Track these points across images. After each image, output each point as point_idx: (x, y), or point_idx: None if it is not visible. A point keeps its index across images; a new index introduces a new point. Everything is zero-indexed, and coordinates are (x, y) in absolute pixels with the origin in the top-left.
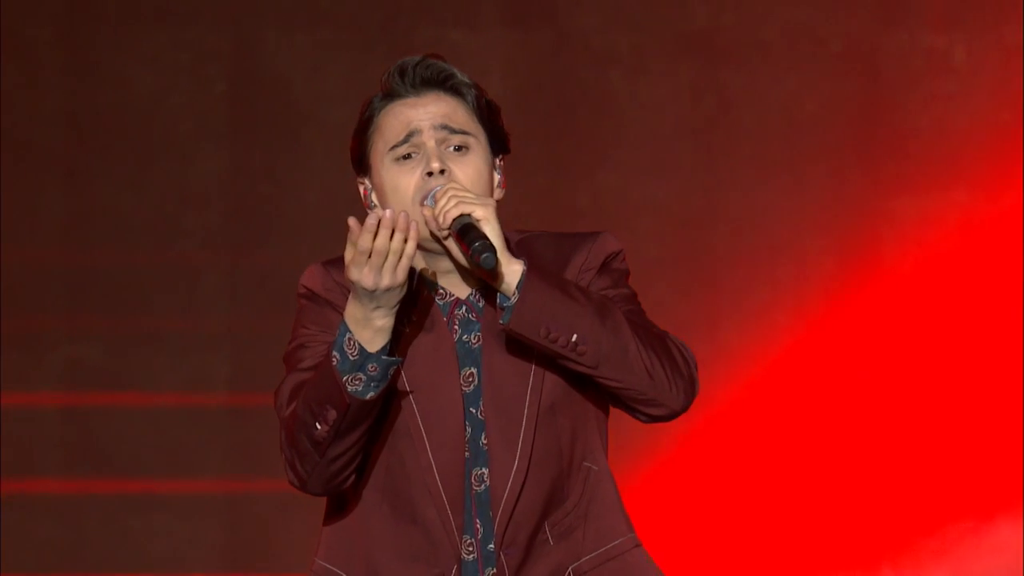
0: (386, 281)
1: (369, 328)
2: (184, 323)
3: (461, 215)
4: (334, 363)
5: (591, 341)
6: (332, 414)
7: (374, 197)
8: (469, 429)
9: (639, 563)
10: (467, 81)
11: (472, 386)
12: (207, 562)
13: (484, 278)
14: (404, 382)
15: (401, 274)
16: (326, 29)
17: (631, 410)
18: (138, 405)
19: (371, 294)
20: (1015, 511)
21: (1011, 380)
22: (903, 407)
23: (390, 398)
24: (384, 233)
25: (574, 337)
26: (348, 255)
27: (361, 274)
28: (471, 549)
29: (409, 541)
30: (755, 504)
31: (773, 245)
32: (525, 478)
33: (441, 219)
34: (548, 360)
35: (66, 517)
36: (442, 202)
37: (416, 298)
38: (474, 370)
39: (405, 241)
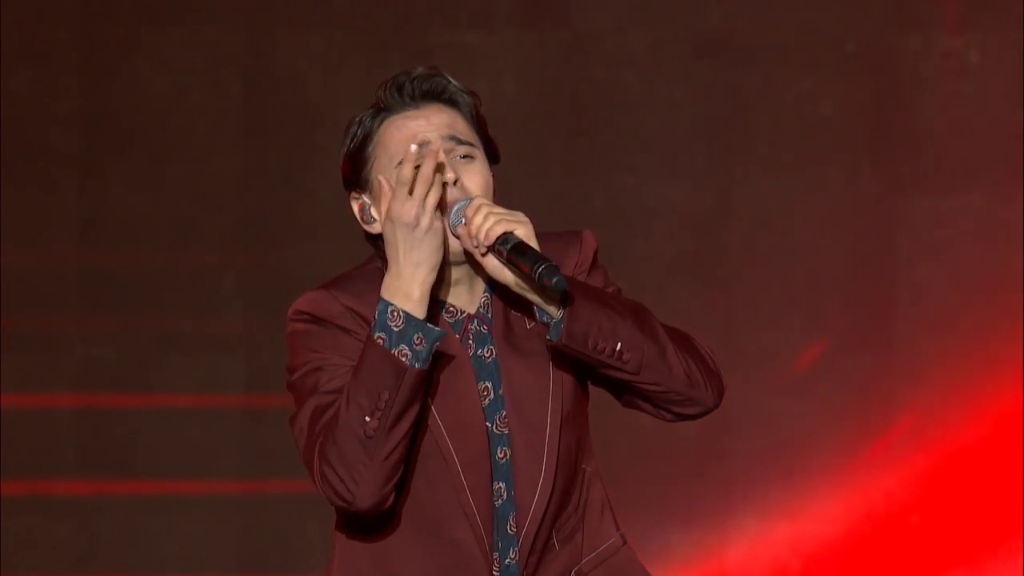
0: (415, 210)
1: (410, 299)
2: (199, 325)
3: (505, 233)
4: (380, 342)
5: (634, 348)
6: (384, 396)
7: (373, 212)
8: (488, 443)
9: (629, 561)
10: (463, 89)
11: (488, 400)
12: (223, 563)
13: (535, 294)
14: (428, 400)
15: (437, 219)
16: (340, 31)
17: (663, 410)
18: (153, 407)
19: (412, 237)
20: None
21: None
22: (918, 405)
23: (427, 421)
24: (429, 162)
25: (619, 346)
26: (390, 197)
27: (403, 208)
28: (497, 563)
29: (437, 563)
30: (767, 505)
31: (788, 246)
32: (552, 488)
33: (482, 236)
34: (562, 368)
35: (81, 519)
36: (478, 219)
37: (428, 319)
38: (489, 384)
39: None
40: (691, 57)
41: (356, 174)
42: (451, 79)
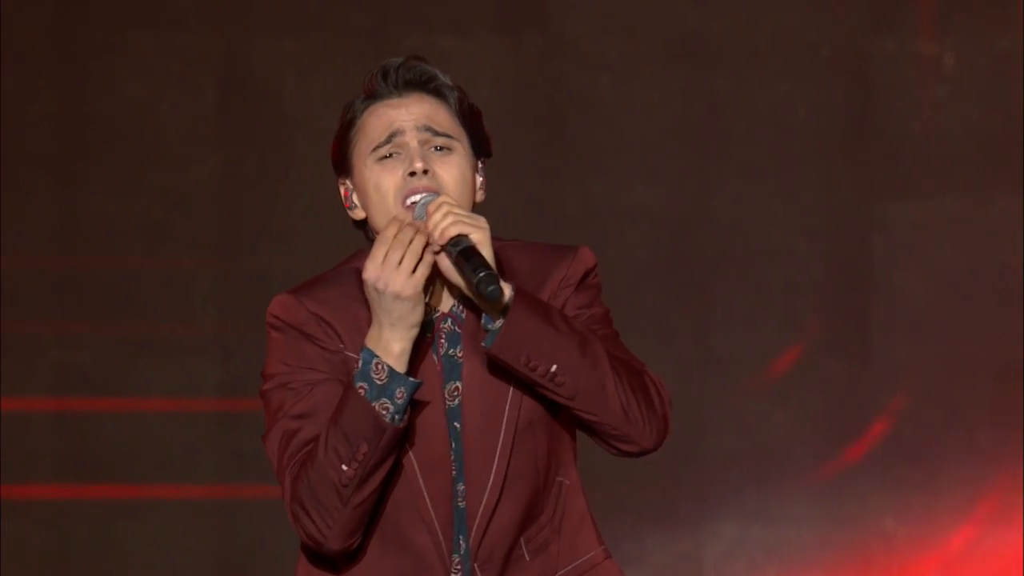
0: (395, 282)
1: (391, 354)
2: (174, 328)
3: (459, 235)
4: (362, 393)
5: (570, 373)
6: (363, 448)
7: (355, 198)
8: (453, 445)
9: (611, 575)
10: (449, 83)
11: (456, 400)
12: (197, 568)
13: (478, 302)
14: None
15: (409, 283)
16: (316, 35)
17: (603, 442)
18: (128, 410)
19: (381, 299)
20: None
21: (1008, 384)
22: (894, 409)
23: None
24: (408, 229)
25: (553, 368)
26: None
27: (371, 269)
28: (458, 568)
29: (397, 568)
30: (742, 509)
31: (763, 250)
32: (500, 493)
33: (437, 235)
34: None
35: (56, 523)
36: (436, 217)
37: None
38: (459, 384)
39: (426, 246)
40: (666, 61)
41: (341, 158)
42: (438, 71)
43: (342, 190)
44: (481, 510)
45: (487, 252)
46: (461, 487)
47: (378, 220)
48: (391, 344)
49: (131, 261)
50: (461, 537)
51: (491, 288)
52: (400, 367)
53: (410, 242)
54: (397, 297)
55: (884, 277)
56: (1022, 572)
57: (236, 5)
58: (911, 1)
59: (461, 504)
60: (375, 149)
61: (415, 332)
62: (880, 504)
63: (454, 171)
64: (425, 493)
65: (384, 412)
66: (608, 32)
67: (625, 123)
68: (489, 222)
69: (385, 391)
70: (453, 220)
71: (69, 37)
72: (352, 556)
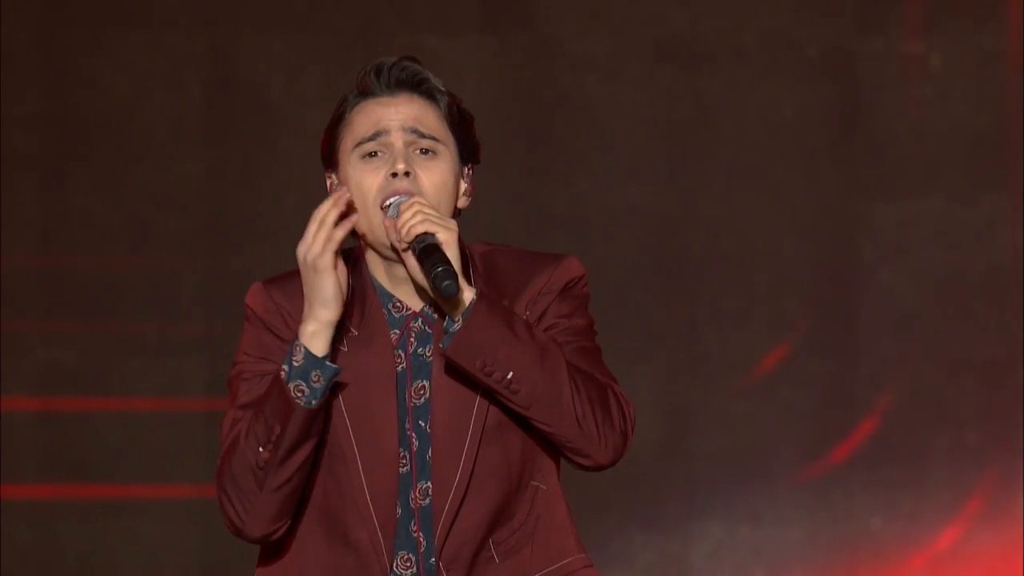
0: (307, 248)
1: (306, 335)
2: (161, 328)
3: (425, 233)
4: (282, 375)
5: (526, 381)
6: (276, 430)
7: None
8: (416, 443)
9: None
10: (441, 87)
11: (423, 399)
12: (184, 567)
13: (437, 300)
14: (341, 402)
15: (320, 255)
16: (302, 34)
17: (561, 454)
18: (115, 410)
19: (306, 273)
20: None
21: (995, 383)
22: (881, 408)
23: (328, 420)
24: (327, 203)
25: (509, 375)
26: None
27: (300, 243)
28: (409, 564)
29: (341, 563)
30: (730, 509)
31: (750, 250)
32: (465, 493)
33: (404, 232)
34: None
35: (43, 522)
36: (406, 215)
37: (365, 312)
38: (426, 383)
39: (339, 220)
40: (653, 61)
41: (329, 151)
42: (431, 74)
43: (328, 183)
44: (446, 509)
45: (452, 252)
46: (426, 485)
47: (359, 217)
48: (307, 324)
49: (117, 260)
50: (422, 534)
51: (446, 283)
52: (316, 349)
53: (324, 216)
54: (311, 268)
55: (871, 276)
56: (1014, 572)
57: (222, 5)
58: (898, 1)
59: (424, 502)
60: (359, 145)
61: (329, 314)
62: (867, 504)
63: (435, 175)
64: (366, 489)
65: (299, 395)
66: (594, 32)
67: (612, 123)
68: (476, 223)
69: (301, 373)
70: (421, 219)
71: (55, 36)
72: (301, 549)
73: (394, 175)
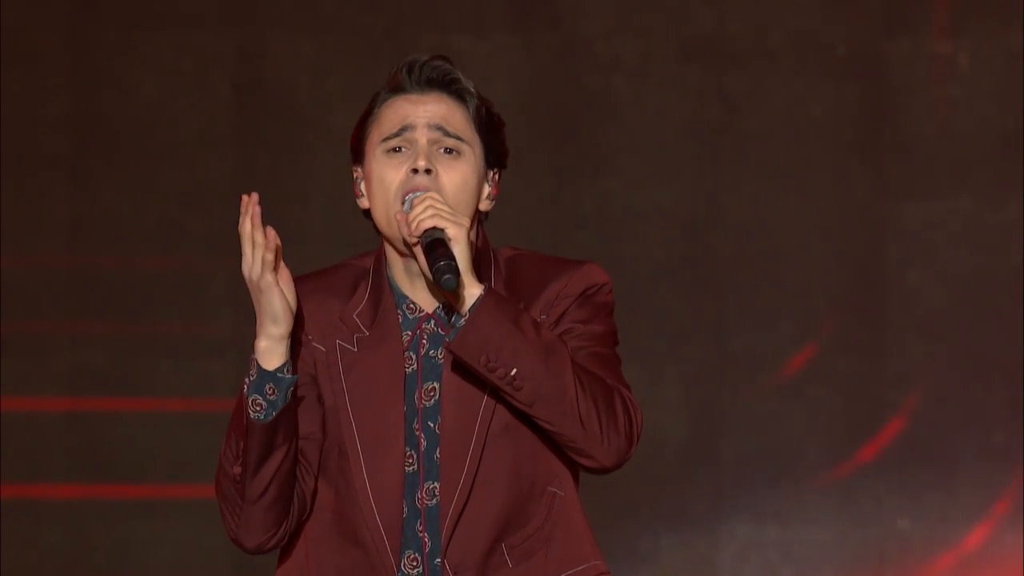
0: (248, 268)
1: (258, 349)
2: (189, 329)
3: (433, 228)
4: (244, 389)
5: (529, 379)
6: (241, 445)
7: (362, 186)
8: (425, 443)
9: None
10: (471, 89)
11: (433, 400)
12: (212, 568)
13: (446, 296)
14: (347, 403)
15: (251, 270)
16: (330, 35)
17: (566, 455)
18: (143, 411)
19: (252, 291)
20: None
21: (1020, 384)
22: (908, 409)
23: (337, 419)
24: (243, 219)
25: (513, 371)
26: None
27: (243, 264)
28: (416, 564)
29: (352, 563)
30: (757, 510)
31: (779, 250)
32: (470, 493)
33: (413, 226)
34: None
35: (70, 523)
36: (417, 210)
37: (378, 313)
38: (436, 384)
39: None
40: (681, 61)
41: (357, 145)
42: (462, 75)
43: (354, 177)
44: (451, 509)
45: (460, 248)
46: (433, 485)
47: (379, 212)
48: (259, 340)
49: (146, 261)
50: (427, 534)
51: (445, 277)
52: (267, 364)
53: (248, 233)
54: (256, 288)
55: (898, 277)
56: None
57: (250, 5)
58: (926, 1)
59: (431, 502)
60: (385, 140)
61: (279, 329)
62: (895, 504)
63: (456, 175)
64: (369, 489)
65: (256, 409)
66: (622, 32)
67: (639, 123)
68: (503, 222)
69: (256, 387)
70: (432, 213)
71: (83, 37)
72: (316, 549)
73: (415, 171)
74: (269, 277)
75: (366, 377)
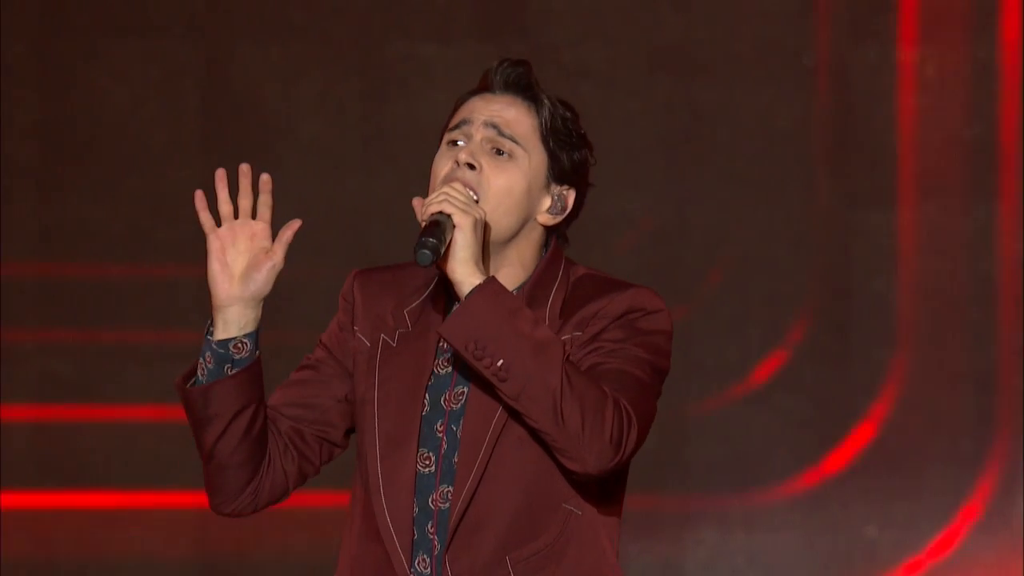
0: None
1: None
2: (157, 336)
3: (440, 213)
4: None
5: (515, 372)
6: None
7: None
8: (446, 445)
9: None
10: (546, 99)
11: (460, 404)
12: (180, 575)
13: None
14: (375, 396)
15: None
16: (298, 43)
17: (554, 456)
18: (111, 419)
19: None
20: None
21: (990, 391)
22: (876, 416)
23: (364, 412)
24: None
25: (500, 362)
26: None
27: None
28: (425, 565)
29: (375, 558)
30: (725, 516)
31: (746, 258)
32: (472, 499)
33: (424, 211)
34: None
35: (38, 531)
36: (432, 195)
37: (425, 311)
38: (465, 389)
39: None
40: (648, 70)
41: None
42: (534, 82)
43: None
44: (454, 514)
45: (464, 236)
46: (448, 489)
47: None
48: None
49: (114, 268)
50: (437, 538)
51: (420, 252)
52: (215, 331)
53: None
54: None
55: (865, 285)
56: None
57: (219, 13)
58: (892, 10)
59: (444, 505)
60: (447, 131)
61: (215, 298)
62: (862, 511)
63: (502, 178)
64: (381, 487)
65: (199, 374)
66: (589, 40)
67: (607, 131)
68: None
69: (201, 352)
70: (442, 199)
71: (51, 45)
72: (350, 541)
73: (458, 164)
74: (209, 240)
75: (396, 372)
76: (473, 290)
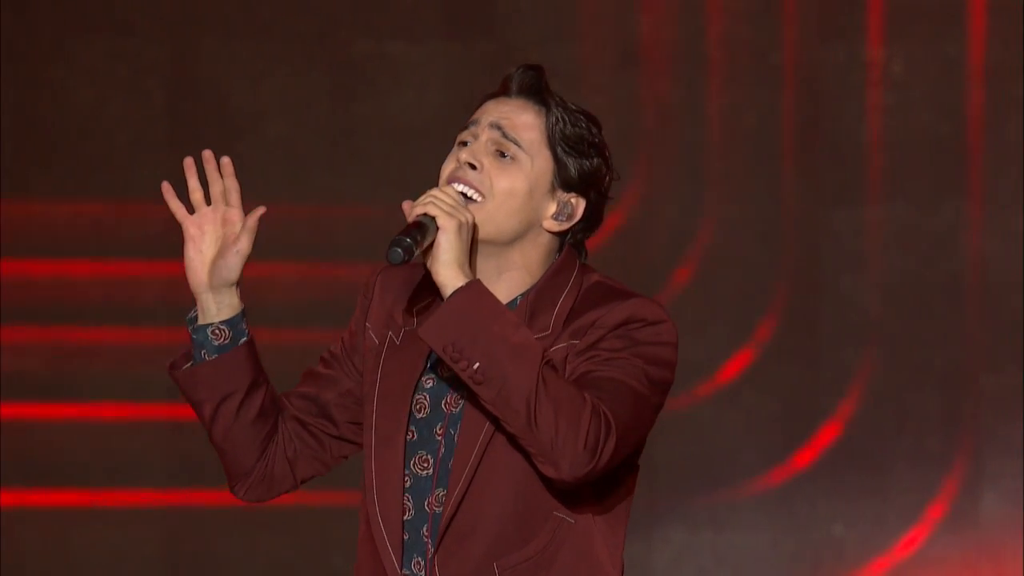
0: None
1: None
2: (123, 334)
3: (425, 215)
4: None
5: (491, 375)
6: None
7: None
8: (443, 449)
9: None
10: (555, 103)
11: (459, 408)
12: (148, 575)
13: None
14: (375, 393)
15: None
16: (265, 41)
17: (532, 460)
18: (77, 417)
19: None
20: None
21: (957, 389)
22: (843, 415)
23: (366, 410)
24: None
25: (476, 365)
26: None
27: None
28: (419, 567)
29: (373, 560)
30: (692, 515)
31: (714, 257)
32: (460, 503)
33: (410, 212)
34: None
35: (4, 530)
36: (420, 198)
37: (431, 310)
38: (465, 393)
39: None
40: (616, 68)
41: None
42: (546, 87)
43: None
44: (443, 516)
45: (448, 238)
46: (442, 492)
47: None
48: None
49: (79, 267)
50: (431, 541)
51: (391, 250)
52: (199, 315)
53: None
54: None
55: (833, 283)
56: None
57: (184, 11)
58: (860, 9)
59: (437, 508)
60: (459, 132)
61: (197, 298)
62: (830, 510)
63: (504, 180)
64: (375, 491)
65: (193, 354)
66: (557, 39)
67: None
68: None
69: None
70: (428, 201)
71: (17, 43)
72: (359, 547)
73: (459, 163)
74: (192, 226)
75: (395, 370)
76: (454, 292)
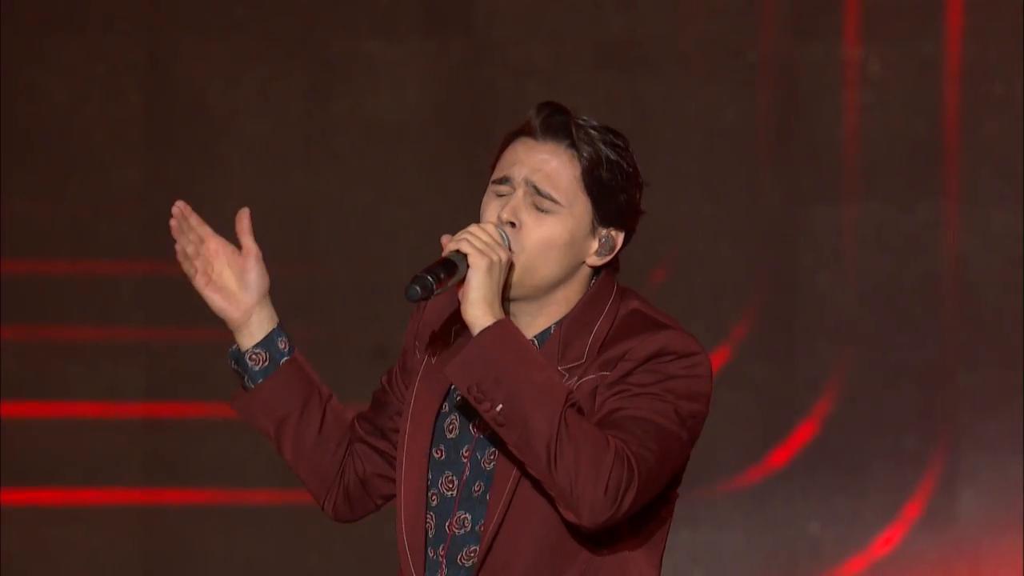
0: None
1: None
2: (99, 333)
3: (458, 252)
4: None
5: (513, 418)
6: None
7: None
8: (468, 472)
9: None
10: (587, 147)
11: (488, 432)
12: (124, 574)
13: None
14: (410, 409)
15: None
16: (242, 40)
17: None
18: (53, 416)
19: None
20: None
21: (933, 387)
22: (819, 413)
23: (401, 426)
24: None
25: (499, 407)
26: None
27: None
28: None
29: (403, 561)
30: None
31: (690, 255)
32: (497, 533)
33: (445, 250)
34: None
35: None
36: (458, 234)
37: (465, 334)
38: None
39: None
40: (593, 67)
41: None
42: (582, 125)
43: None
44: (480, 545)
45: (478, 277)
46: (464, 515)
47: None
48: None
49: (56, 266)
50: (446, 563)
51: (410, 288)
52: (245, 340)
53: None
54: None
55: (809, 281)
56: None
57: (161, 10)
58: (837, 7)
59: (459, 532)
60: (494, 182)
61: (228, 323)
62: (805, 508)
63: (541, 232)
64: (402, 508)
65: (242, 382)
66: (534, 37)
67: None
68: (414, 225)
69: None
70: (462, 237)
71: None
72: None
73: (498, 217)
74: (195, 280)
75: (426, 390)
76: (482, 332)
